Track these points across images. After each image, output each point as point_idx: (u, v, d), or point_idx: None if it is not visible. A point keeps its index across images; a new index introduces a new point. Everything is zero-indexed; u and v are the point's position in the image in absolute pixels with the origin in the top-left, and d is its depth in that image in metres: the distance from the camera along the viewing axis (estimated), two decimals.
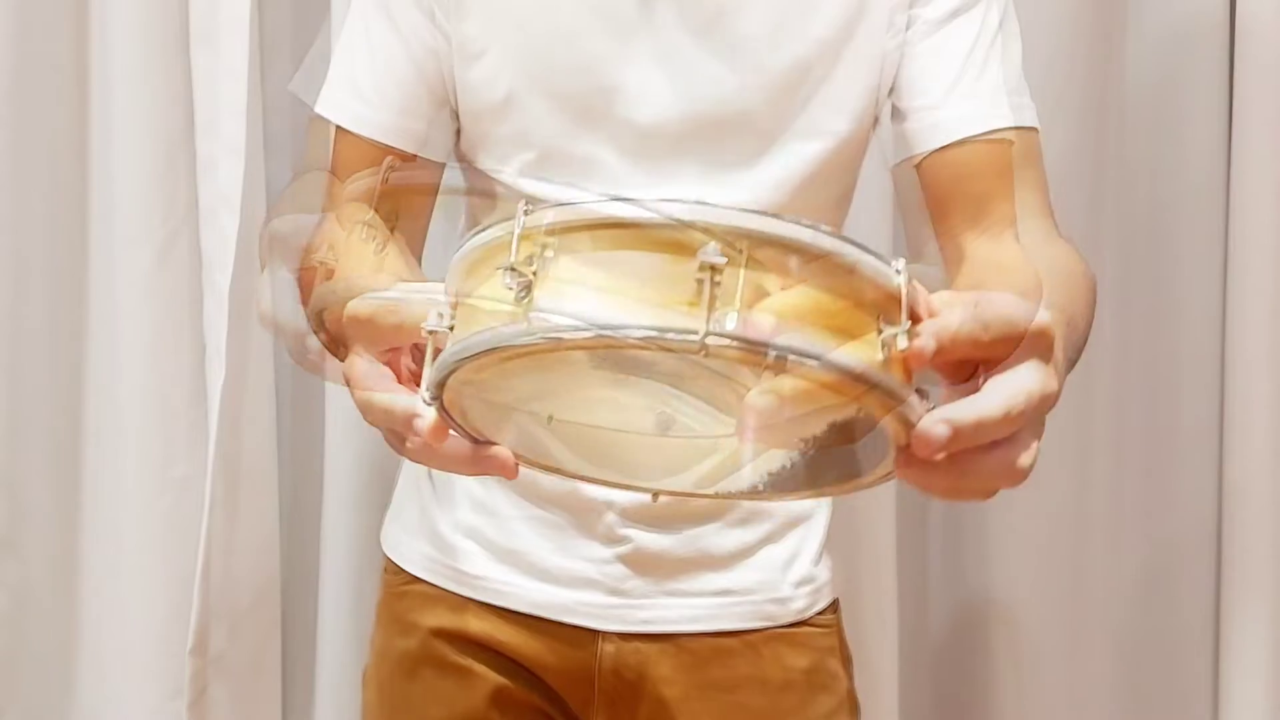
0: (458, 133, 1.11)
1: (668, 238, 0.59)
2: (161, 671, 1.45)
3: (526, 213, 0.60)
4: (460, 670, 1.13)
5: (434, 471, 1.14)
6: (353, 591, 1.46)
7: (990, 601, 1.55)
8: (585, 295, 0.59)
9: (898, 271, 0.61)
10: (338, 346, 0.89)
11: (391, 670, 1.16)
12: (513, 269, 0.59)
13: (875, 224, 1.43)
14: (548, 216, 0.60)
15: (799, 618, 1.13)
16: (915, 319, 0.61)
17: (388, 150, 1.08)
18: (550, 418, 0.72)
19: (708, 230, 0.59)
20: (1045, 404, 0.65)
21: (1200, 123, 1.51)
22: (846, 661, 1.18)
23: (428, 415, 0.66)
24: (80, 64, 1.43)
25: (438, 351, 0.64)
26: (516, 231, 0.60)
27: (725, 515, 1.11)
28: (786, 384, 0.58)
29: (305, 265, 1.05)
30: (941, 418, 0.62)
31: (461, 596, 1.13)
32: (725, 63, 1.04)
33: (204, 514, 1.41)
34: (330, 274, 0.90)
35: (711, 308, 0.57)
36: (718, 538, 1.11)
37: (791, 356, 0.57)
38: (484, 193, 1.12)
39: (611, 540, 1.10)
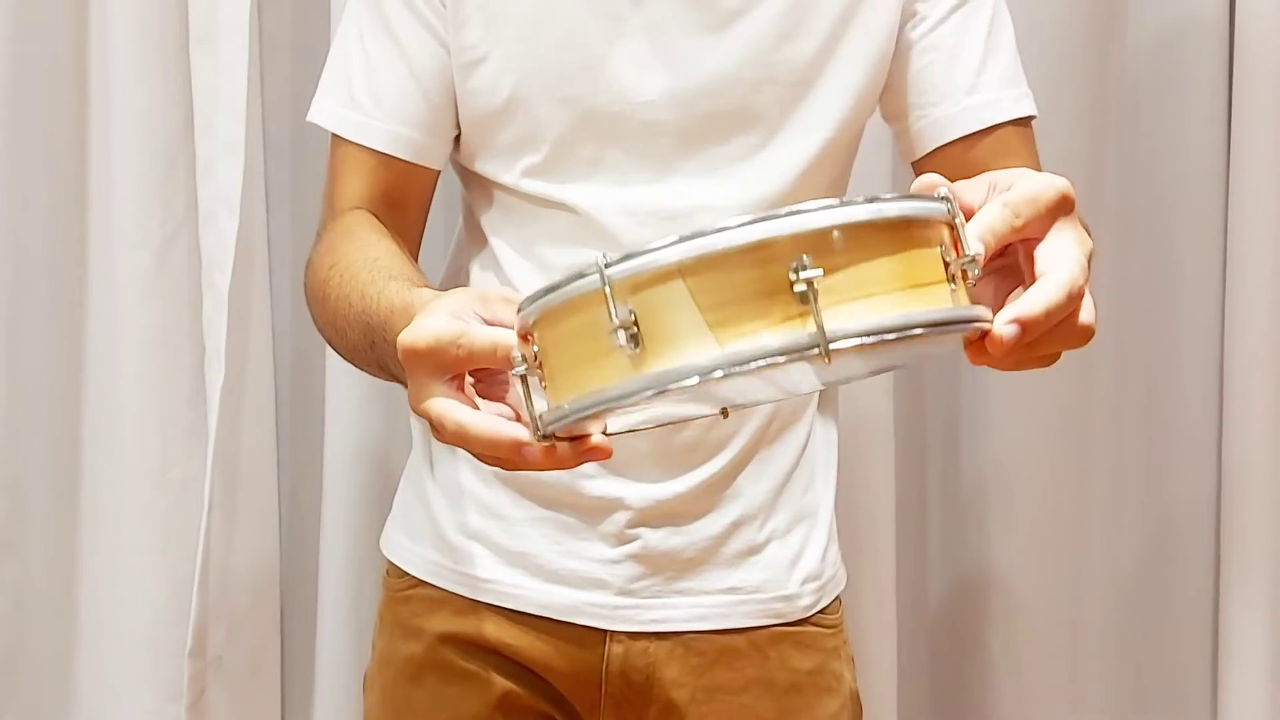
0: (457, 139, 1.11)
1: (751, 259, 0.62)
2: (160, 673, 1.45)
3: (607, 264, 0.64)
4: (467, 675, 1.12)
5: (438, 475, 1.14)
6: (352, 593, 1.46)
7: (989, 593, 1.56)
8: (693, 336, 0.62)
9: (943, 199, 0.66)
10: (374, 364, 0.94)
11: (395, 675, 1.16)
12: (621, 328, 0.63)
13: None
14: (629, 267, 0.63)
15: (806, 615, 1.14)
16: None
17: (384, 158, 1.09)
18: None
19: (792, 240, 0.61)
20: (1089, 261, 0.71)
21: (1199, 122, 1.51)
22: (849, 662, 1.18)
23: (535, 443, 0.72)
24: (80, 65, 1.43)
25: (526, 384, 0.70)
26: (608, 294, 0.64)
27: (727, 511, 1.11)
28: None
29: (312, 280, 1.06)
30: (1012, 317, 0.67)
31: (469, 599, 1.12)
32: (726, 59, 1.04)
33: (203, 515, 1.41)
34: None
35: (818, 317, 0.61)
36: (725, 536, 1.11)
37: (891, 336, 0.61)
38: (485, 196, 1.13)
39: (620, 540, 1.10)
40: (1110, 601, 1.57)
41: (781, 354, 0.61)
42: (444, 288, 1.22)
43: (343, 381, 1.44)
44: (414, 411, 0.78)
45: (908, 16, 1.07)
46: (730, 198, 1.05)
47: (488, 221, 1.12)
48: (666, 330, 0.63)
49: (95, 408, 1.47)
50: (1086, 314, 0.70)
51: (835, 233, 0.62)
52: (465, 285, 1.15)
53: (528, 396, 0.71)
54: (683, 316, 0.62)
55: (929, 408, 1.57)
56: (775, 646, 1.13)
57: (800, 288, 0.60)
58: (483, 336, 0.74)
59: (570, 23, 1.04)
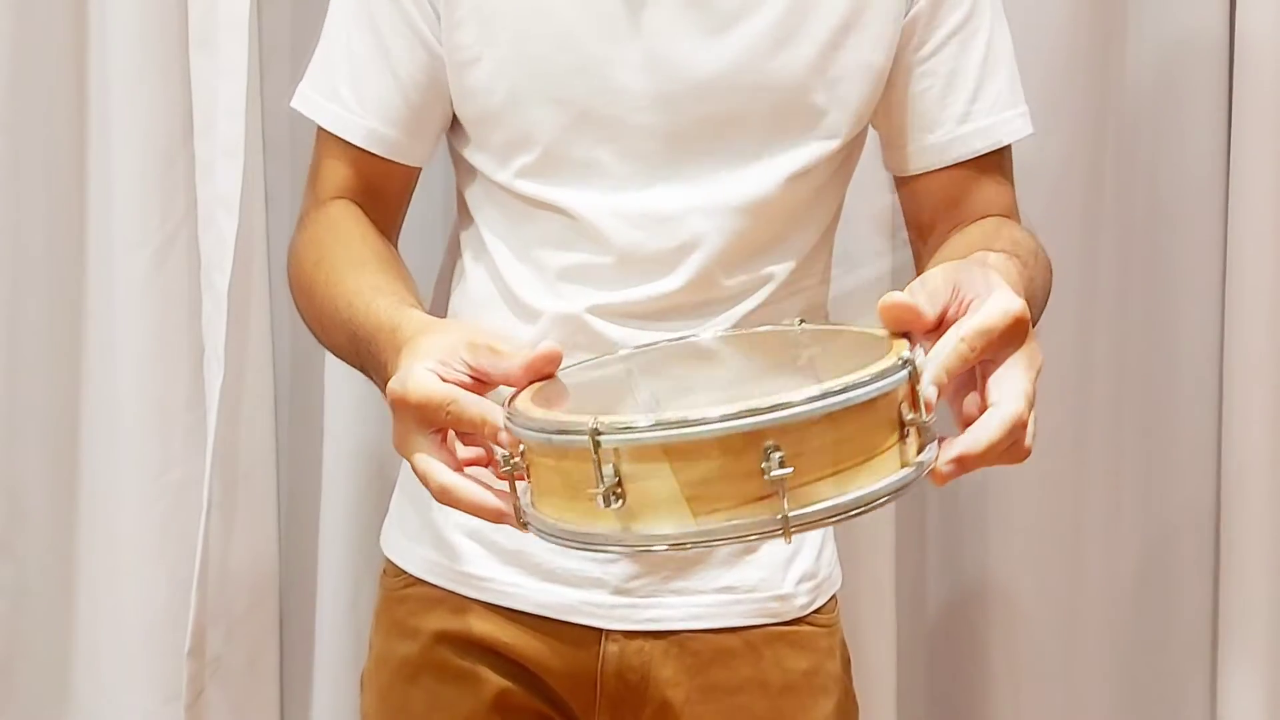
0: (454, 128, 1.12)
1: (729, 445, 0.68)
2: (159, 674, 1.45)
3: (600, 430, 0.69)
4: (463, 675, 1.13)
5: None
6: (351, 594, 1.46)
7: (988, 596, 1.56)
8: (671, 506, 0.69)
9: (905, 363, 0.71)
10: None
11: (391, 675, 1.16)
12: (607, 491, 0.70)
13: (874, 229, 1.43)
14: (619, 440, 0.69)
15: (801, 614, 1.14)
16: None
17: (363, 152, 1.11)
18: None
19: (768, 432, 0.67)
20: (1038, 380, 0.77)
21: (1199, 131, 1.51)
22: (845, 662, 1.19)
23: (515, 523, 0.79)
24: (78, 66, 1.42)
25: (513, 481, 0.77)
26: (596, 459, 0.70)
27: None
28: None
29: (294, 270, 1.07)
30: (955, 455, 0.72)
31: (465, 598, 1.13)
32: (720, 64, 1.04)
33: (202, 516, 1.40)
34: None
35: (784, 506, 0.67)
36: None
37: (851, 514, 0.69)
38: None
39: None
40: (1109, 606, 1.57)
41: (749, 533, 0.69)
42: (440, 287, 1.23)
43: (342, 382, 1.44)
44: (397, 451, 0.84)
45: (908, 37, 1.07)
46: (722, 202, 1.05)
47: (484, 219, 1.12)
48: (648, 497, 0.70)
49: (94, 408, 1.47)
50: (1028, 439, 0.76)
51: (809, 422, 0.68)
52: (463, 285, 1.15)
53: (513, 488, 0.78)
54: (662, 488, 0.69)
55: None
56: (770, 646, 1.13)
57: (770, 476, 0.67)
58: (472, 409, 0.80)
59: (564, 24, 1.04)
